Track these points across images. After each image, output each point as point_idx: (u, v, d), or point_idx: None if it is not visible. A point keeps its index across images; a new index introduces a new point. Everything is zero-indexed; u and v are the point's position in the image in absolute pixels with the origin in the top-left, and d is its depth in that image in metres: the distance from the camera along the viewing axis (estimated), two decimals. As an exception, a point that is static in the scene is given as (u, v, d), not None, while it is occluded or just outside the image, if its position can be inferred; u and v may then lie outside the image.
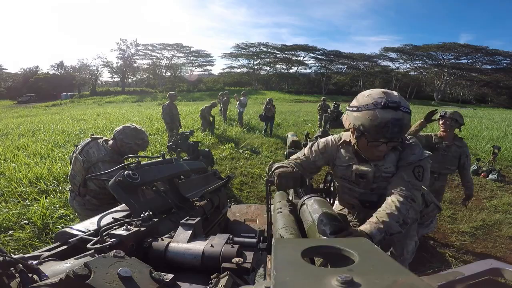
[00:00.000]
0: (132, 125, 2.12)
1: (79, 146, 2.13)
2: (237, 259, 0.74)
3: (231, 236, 0.86)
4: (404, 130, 1.19)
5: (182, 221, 0.91)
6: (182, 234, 0.87)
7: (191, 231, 0.87)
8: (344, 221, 1.22)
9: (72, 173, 2.13)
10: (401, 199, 1.19)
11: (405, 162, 1.31)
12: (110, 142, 2.10)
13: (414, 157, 1.30)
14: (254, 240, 0.87)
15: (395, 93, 1.23)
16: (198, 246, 0.81)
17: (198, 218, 0.93)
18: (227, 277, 0.66)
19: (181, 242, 0.84)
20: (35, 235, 3.00)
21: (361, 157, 1.39)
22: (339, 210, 1.70)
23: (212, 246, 0.81)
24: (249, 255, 0.78)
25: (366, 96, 1.22)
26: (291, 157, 1.59)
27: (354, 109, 1.24)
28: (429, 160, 1.35)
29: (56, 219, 3.21)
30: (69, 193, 2.27)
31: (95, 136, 2.15)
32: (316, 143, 1.54)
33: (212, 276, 0.68)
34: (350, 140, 1.41)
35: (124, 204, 1.15)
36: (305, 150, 1.54)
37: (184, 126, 9.84)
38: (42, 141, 7.43)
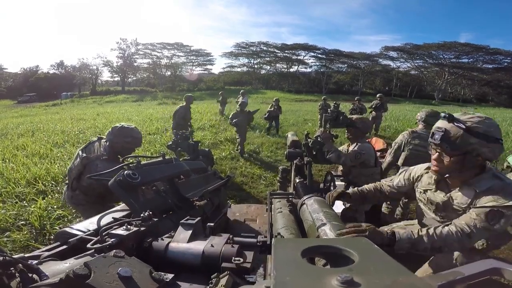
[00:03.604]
0: (120, 124, 2.14)
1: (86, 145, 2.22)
2: (237, 258, 0.74)
3: (231, 236, 0.86)
4: (450, 143, 1.16)
5: (182, 221, 0.92)
6: (182, 234, 0.87)
7: (191, 231, 0.87)
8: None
9: (71, 166, 2.18)
10: (454, 229, 1.12)
11: (480, 203, 1.15)
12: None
13: (493, 202, 1.11)
14: (254, 240, 0.87)
15: (481, 116, 1.19)
16: (198, 245, 0.81)
17: (198, 218, 0.93)
18: (227, 276, 0.66)
19: (181, 241, 0.84)
20: (33, 236, 2.98)
21: (440, 185, 1.36)
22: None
23: (212, 245, 0.81)
24: (249, 255, 0.78)
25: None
26: (384, 180, 1.69)
27: None
28: None
29: (54, 220, 3.20)
30: (65, 187, 2.33)
31: (101, 136, 2.22)
32: (407, 171, 1.59)
33: (212, 276, 0.68)
34: None
35: (123, 204, 1.15)
36: (396, 178, 1.63)
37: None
38: (41, 141, 7.42)
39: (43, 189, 4.10)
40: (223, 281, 0.64)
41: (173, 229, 0.91)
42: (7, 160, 5.47)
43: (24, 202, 3.68)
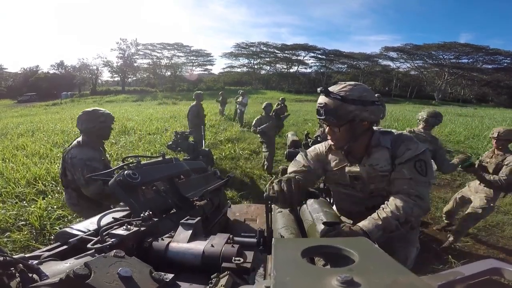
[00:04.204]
0: (82, 111, 2.16)
1: None
2: (237, 258, 0.74)
3: (231, 236, 0.86)
4: (333, 115, 1.18)
5: (182, 220, 0.91)
6: (182, 234, 0.87)
7: (191, 231, 0.87)
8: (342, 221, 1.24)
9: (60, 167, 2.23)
10: (405, 198, 1.16)
11: (401, 159, 1.22)
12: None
13: (411, 152, 1.21)
14: (254, 240, 0.87)
15: (352, 82, 1.22)
16: (199, 245, 0.81)
17: (198, 218, 0.93)
18: (227, 276, 0.66)
19: (181, 242, 0.84)
20: (33, 236, 2.99)
21: (351, 158, 1.36)
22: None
23: (212, 245, 0.81)
24: (249, 254, 0.78)
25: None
26: (289, 172, 1.45)
27: None
28: (428, 152, 1.26)
29: (54, 220, 3.20)
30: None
31: None
32: (307, 152, 1.50)
33: (212, 276, 0.68)
34: None
35: (123, 204, 1.15)
36: (301, 161, 1.47)
37: (184, 126, 9.83)
38: (41, 140, 7.42)
39: (43, 189, 4.10)
40: (223, 281, 0.64)
41: (173, 229, 0.91)
42: (7, 160, 5.47)
43: (24, 202, 3.68)
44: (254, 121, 5.43)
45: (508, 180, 2.66)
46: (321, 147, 1.48)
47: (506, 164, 2.74)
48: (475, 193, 3.07)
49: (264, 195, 1.08)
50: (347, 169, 1.37)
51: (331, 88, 1.22)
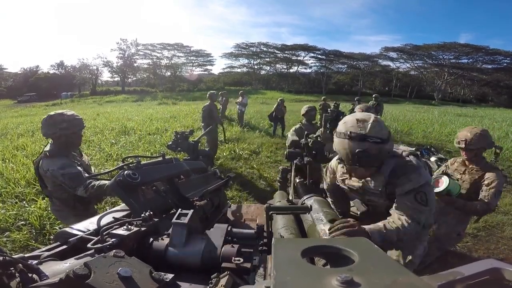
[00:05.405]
0: (47, 114, 1.95)
1: None
2: (237, 258, 0.74)
3: (229, 227, 0.86)
4: (374, 159, 1.26)
5: (174, 220, 0.86)
6: (178, 233, 0.85)
7: (185, 230, 0.85)
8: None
9: None
10: (409, 221, 1.24)
11: (402, 190, 1.29)
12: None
13: (411, 184, 1.27)
14: (253, 231, 0.87)
15: (371, 119, 1.25)
16: (198, 245, 0.81)
17: (191, 211, 0.88)
18: (227, 276, 0.66)
19: (178, 241, 0.83)
20: (32, 236, 2.99)
21: (351, 175, 1.49)
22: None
23: (212, 245, 0.80)
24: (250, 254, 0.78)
25: (343, 123, 1.30)
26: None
27: (336, 134, 1.33)
28: (430, 183, 1.33)
29: (54, 220, 3.20)
30: None
31: None
32: (325, 169, 1.78)
33: (212, 276, 0.67)
34: None
35: (123, 204, 1.15)
36: (326, 179, 1.76)
37: (184, 126, 9.84)
38: (41, 141, 7.41)
39: (43, 189, 4.10)
40: (223, 281, 0.64)
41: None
42: (7, 160, 5.47)
43: (24, 202, 3.68)
44: (290, 132, 3.85)
45: (493, 202, 2.17)
46: (335, 161, 1.65)
47: (486, 185, 2.20)
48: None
49: (265, 206, 1.07)
50: (347, 181, 1.54)
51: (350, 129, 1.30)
